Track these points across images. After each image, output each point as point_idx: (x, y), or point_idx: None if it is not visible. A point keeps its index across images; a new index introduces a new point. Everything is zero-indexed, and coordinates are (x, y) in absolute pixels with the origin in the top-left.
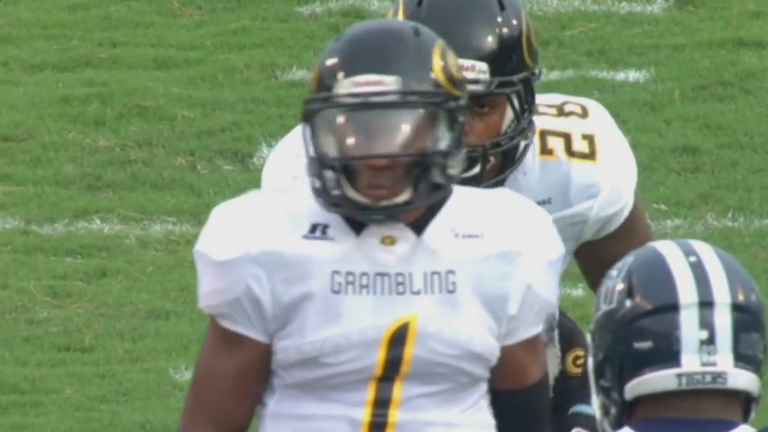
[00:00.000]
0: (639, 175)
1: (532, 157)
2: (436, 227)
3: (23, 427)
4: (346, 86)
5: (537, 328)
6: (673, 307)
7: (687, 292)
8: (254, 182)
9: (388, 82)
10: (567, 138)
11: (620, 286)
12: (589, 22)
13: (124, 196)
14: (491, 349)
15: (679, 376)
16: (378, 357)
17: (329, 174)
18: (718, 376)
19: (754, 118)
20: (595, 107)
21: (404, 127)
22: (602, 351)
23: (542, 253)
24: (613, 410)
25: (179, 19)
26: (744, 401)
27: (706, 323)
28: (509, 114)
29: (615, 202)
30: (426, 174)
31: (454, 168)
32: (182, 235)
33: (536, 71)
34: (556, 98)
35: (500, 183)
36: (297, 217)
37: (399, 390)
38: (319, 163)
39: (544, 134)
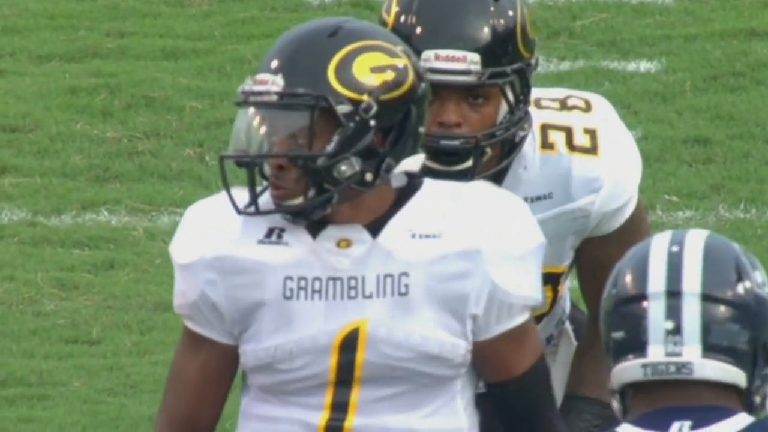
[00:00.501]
0: (650, 167)
1: (533, 152)
2: (393, 228)
3: (30, 420)
4: (246, 84)
5: (517, 320)
6: (641, 297)
7: (656, 282)
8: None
9: (271, 82)
10: (568, 132)
11: (611, 276)
12: (600, 12)
13: (132, 188)
14: (450, 348)
15: (645, 366)
16: (330, 363)
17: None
18: (682, 366)
19: (766, 109)
20: (598, 101)
21: (278, 127)
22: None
23: (507, 249)
24: (615, 399)
25: (187, 9)
26: (745, 394)
27: (673, 313)
28: (504, 105)
29: (618, 197)
30: (312, 177)
31: (344, 171)
32: None
33: (532, 62)
34: (560, 92)
35: (500, 174)
36: (255, 221)
37: (357, 393)
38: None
39: (545, 128)
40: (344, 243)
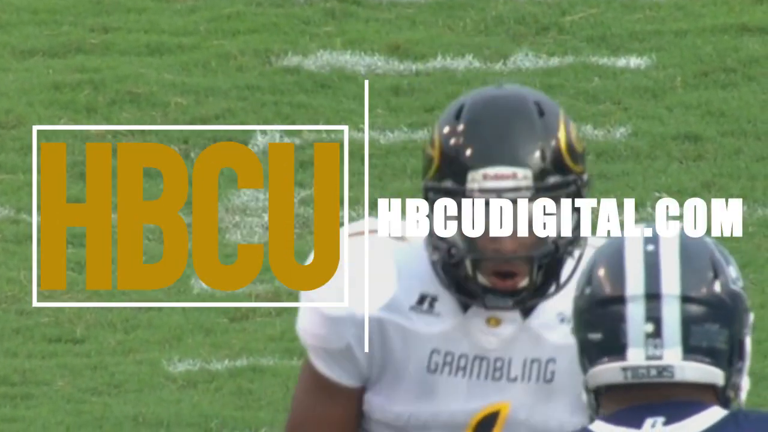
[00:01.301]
0: (640, 164)
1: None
2: (543, 310)
3: (14, 420)
4: (476, 180)
5: None
6: (620, 300)
7: (634, 284)
8: None
9: (520, 176)
10: None
11: (584, 274)
12: (590, 7)
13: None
14: None
15: (625, 369)
16: None
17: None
18: (663, 369)
19: (758, 105)
20: None
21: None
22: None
23: None
24: (587, 398)
25: (172, 4)
26: (721, 391)
27: (652, 316)
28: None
29: None
30: (554, 262)
31: (578, 250)
32: None
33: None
34: None
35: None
36: (408, 282)
37: None
38: (445, 248)
39: None
40: (494, 321)
